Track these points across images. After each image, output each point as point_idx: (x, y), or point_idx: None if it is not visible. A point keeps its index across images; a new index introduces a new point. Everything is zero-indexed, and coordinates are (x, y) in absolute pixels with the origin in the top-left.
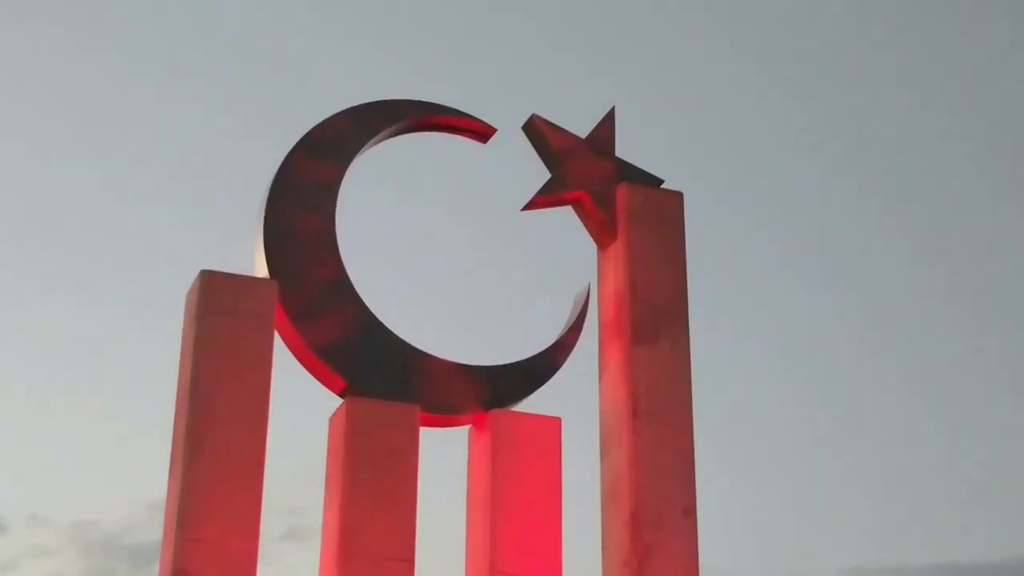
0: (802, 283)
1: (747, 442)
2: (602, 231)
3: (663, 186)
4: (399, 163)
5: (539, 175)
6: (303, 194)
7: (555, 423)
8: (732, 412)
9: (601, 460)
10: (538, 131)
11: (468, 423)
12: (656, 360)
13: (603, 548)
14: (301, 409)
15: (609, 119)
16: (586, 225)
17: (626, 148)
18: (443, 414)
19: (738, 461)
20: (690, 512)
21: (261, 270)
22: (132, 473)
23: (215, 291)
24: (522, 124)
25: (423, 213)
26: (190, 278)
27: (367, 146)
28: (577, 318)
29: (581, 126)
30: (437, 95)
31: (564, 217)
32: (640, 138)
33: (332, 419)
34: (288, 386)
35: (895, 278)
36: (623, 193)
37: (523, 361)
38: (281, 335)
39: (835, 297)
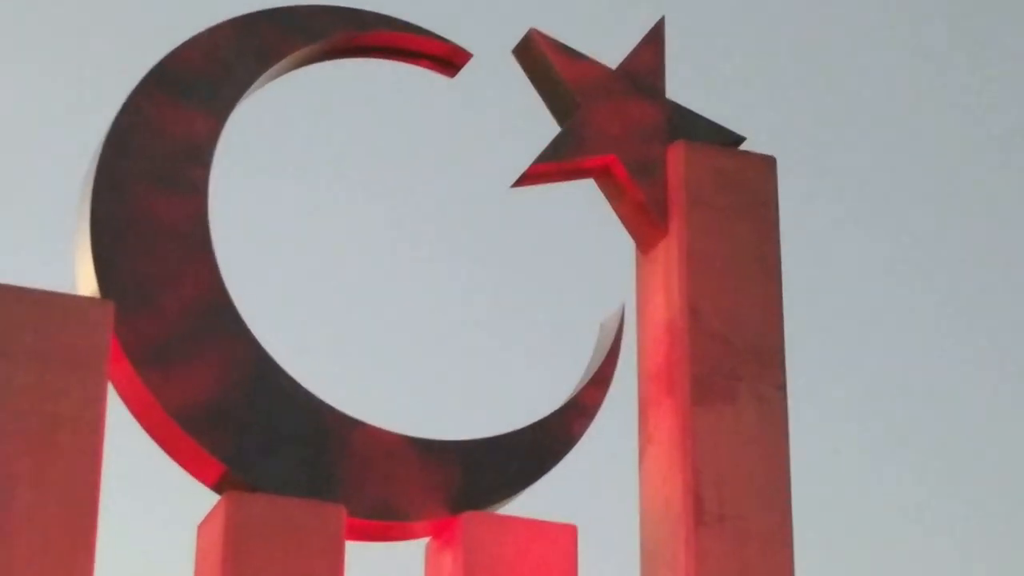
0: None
1: (879, 559)
2: (644, 220)
3: (744, 146)
4: (313, 109)
5: (541, 128)
6: (156, 160)
7: (568, 534)
8: (855, 511)
9: None
10: (539, 56)
11: (426, 534)
12: (733, 430)
13: None
14: (155, 510)
15: (655, 38)
16: (617, 210)
17: (685, 87)
18: (385, 520)
19: None
20: None
21: (86, 284)
22: None
23: (10, 319)
24: (514, 46)
25: (352, 190)
26: None
27: (260, 82)
28: (603, 363)
29: (610, 51)
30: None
31: (581, 196)
32: (706, 71)
33: (202, 527)
34: (133, 472)
35: None
36: (679, 158)
37: (516, 433)
38: (118, 390)
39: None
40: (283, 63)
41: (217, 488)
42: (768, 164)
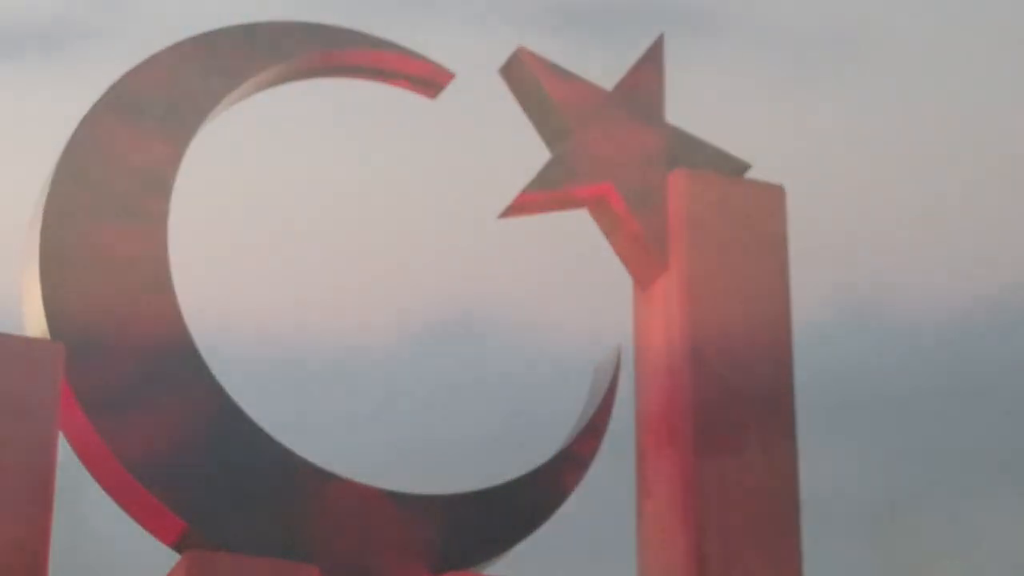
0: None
1: None
2: (642, 254)
3: (749, 174)
4: (281, 132)
5: (531, 153)
6: (112, 190)
7: None
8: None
9: None
10: (528, 76)
11: None
12: (738, 484)
13: None
14: (108, 571)
15: (654, 57)
16: (613, 243)
17: (686, 109)
18: None
19: None
20: None
21: (35, 323)
22: None
23: None
24: (501, 66)
25: (324, 219)
26: None
27: (224, 104)
28: (597, 410)
29: (605, 73)
30: (353, 17)
31: (574, 227)
32: (709, 93)
33: None
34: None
35: None
36: (680, 187)
37: (502, 487)
38: (70, 440)
39: None
40: (249, 84)
41: (177, 547)
42: (777, 194)
